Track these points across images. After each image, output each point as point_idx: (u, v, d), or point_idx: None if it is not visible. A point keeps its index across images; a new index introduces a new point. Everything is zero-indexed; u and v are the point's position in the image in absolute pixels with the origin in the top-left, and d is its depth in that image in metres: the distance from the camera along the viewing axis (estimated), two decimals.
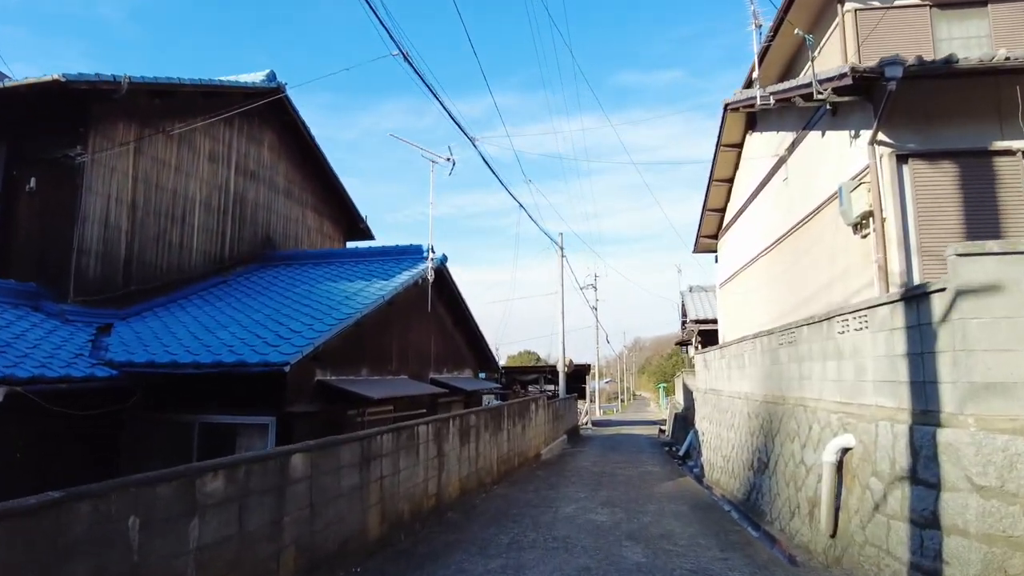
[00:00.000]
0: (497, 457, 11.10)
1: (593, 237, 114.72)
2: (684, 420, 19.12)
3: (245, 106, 11.15)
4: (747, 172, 12.80)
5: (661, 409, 48.93)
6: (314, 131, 14.11)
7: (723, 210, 14.89)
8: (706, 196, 14.71)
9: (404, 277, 10.08)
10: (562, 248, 22.85)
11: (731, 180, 14.02)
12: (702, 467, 13.77)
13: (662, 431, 30.83)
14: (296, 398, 7.40)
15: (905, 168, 6.72)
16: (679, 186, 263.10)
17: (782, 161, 10.17)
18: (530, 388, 30.19)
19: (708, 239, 15.83)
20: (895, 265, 6.57)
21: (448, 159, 11.07)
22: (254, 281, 11.14)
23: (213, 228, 11.39)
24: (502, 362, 40.29)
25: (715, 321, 22.45)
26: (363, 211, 15.92)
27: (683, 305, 27.16)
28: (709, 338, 21.98)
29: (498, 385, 17.30)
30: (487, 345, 15.03)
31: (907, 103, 6.57)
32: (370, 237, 16.23)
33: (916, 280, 6.38)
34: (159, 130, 10.11)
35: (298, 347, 6.99)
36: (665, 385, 51.23)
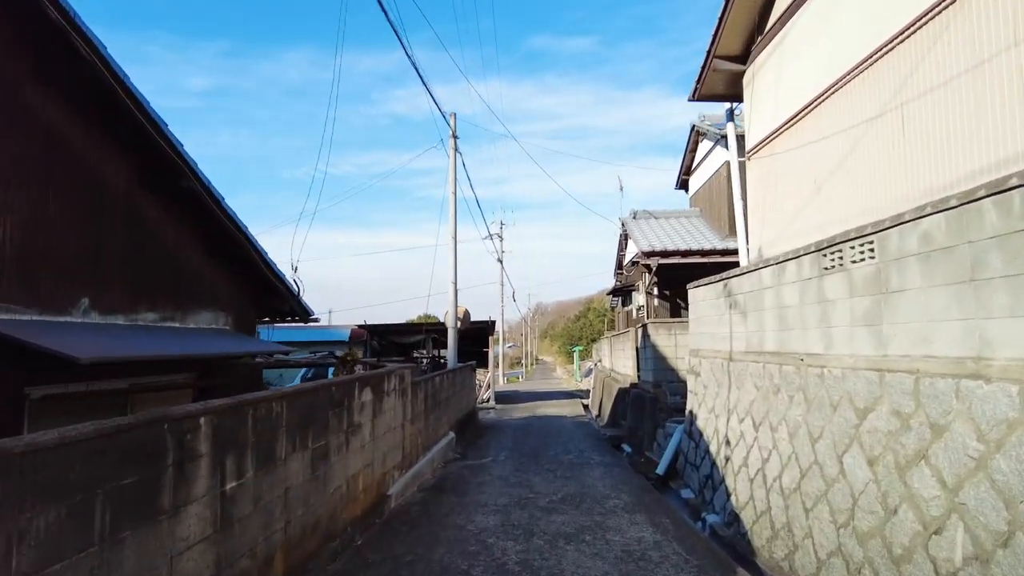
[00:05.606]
0: None
1: (501, 201, 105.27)
2: (652, 403, 11.70)
3: None
4: None
5: (572, 376, 42.50)
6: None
7: None
8: None
9: None
10: (455, 136, 14.55)
11: None
12: (735, 518, 6.38)
13: (586, 407, 23.91)
14: None
15: None
16: (585, 154, 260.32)
17: None
18: (416, 354, 22.01)
19: (729, 63, 8.15)
20: None
21: None
22: None
23: None
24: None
25: (683, 253, 15.22)
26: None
27: (624, 238, 19.86)
28: (672, 278, 14.82)
29: (281, 348, 9.05)
30: (267, 259, 6.58)
31: None
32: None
33: None
34: None
35: None
36: (581, 348, 44.75)
